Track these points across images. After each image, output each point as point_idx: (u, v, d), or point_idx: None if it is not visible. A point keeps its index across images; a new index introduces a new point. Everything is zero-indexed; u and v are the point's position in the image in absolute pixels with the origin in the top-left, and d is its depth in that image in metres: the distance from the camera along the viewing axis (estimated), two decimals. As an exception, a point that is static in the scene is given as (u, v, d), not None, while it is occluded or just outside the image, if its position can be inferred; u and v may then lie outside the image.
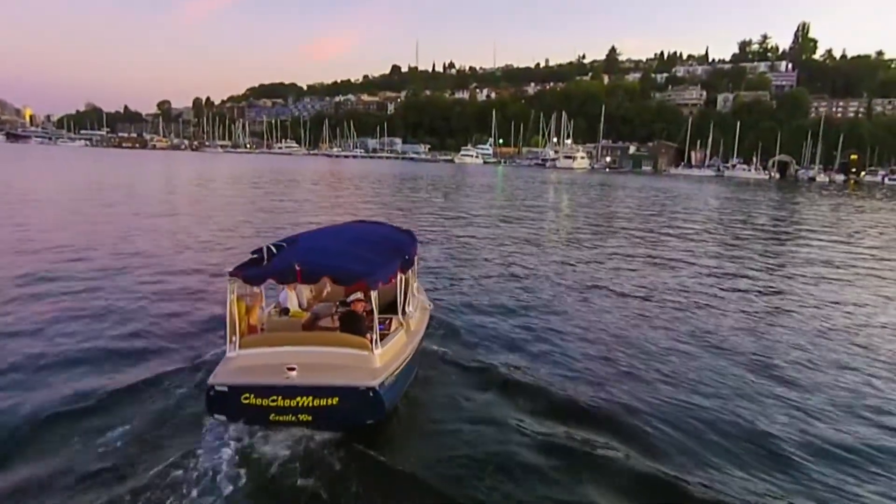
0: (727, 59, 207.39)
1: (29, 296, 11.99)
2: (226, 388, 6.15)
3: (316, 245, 7.91)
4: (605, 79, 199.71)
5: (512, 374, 8.78)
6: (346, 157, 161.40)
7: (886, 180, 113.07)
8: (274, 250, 7.29)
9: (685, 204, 45.95)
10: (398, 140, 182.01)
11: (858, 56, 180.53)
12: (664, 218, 34.59)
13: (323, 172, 77.05)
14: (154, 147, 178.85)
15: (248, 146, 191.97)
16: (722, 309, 13.30)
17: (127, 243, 18.47)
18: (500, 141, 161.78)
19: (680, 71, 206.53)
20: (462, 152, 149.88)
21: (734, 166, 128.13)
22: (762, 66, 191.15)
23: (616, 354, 10.03)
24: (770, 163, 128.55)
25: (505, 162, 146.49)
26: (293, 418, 6.19)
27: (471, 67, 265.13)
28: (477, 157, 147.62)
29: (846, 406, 8.21)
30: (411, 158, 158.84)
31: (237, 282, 6.80)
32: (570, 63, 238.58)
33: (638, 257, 20.11)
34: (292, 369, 6.20)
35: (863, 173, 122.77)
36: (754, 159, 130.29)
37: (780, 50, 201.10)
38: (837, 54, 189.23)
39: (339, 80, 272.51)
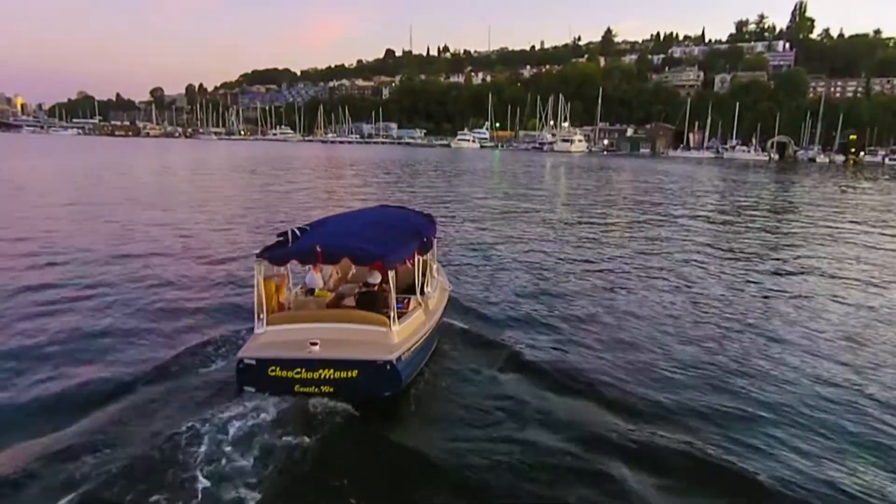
0: (724, 39, 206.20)
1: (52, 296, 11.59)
2: (254, 362, 6.60)
3: (337, 228, 8.32)
4: (602, 61, 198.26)
5: (529, 357, 8.66)
6: (341, 142, 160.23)
7: (887, 160, 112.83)
8: (298, 233, 7.71)
9: (691, 187, 45.57)
10: (393, 125, 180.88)
11: (856, 35, 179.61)
12: (674, 201, 34.37)
13: (320, 159, 76.59)
14: (147, 135, 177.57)
15: (242, 133, 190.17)
16: (752, 293, 13.02)
17: (142, 238, 17.97)
18: (497, 125, 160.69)
19: (676, 52, 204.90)
20: (458, 137, 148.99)
21: (733, 148, 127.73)
22: (759, 47, 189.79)
23: (640, 339, 9.75)
24: (769, 144, 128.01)
25: (502, 146, 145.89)
26: (316, 389, 6.59)
27: (466, 51, 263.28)
28: (474, 141, 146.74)
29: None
30: (407, 143, 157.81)
31: (264, 263, 7.20)
32: (566, 45, 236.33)
33: (654, 241, 19.85)
34: (315, 344, 6.59)
35: (862, 153, 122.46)
36: (753, 140, 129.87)
37: (778, 30, 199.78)
38: (835, 33, 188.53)
39: (333, 65, 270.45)
